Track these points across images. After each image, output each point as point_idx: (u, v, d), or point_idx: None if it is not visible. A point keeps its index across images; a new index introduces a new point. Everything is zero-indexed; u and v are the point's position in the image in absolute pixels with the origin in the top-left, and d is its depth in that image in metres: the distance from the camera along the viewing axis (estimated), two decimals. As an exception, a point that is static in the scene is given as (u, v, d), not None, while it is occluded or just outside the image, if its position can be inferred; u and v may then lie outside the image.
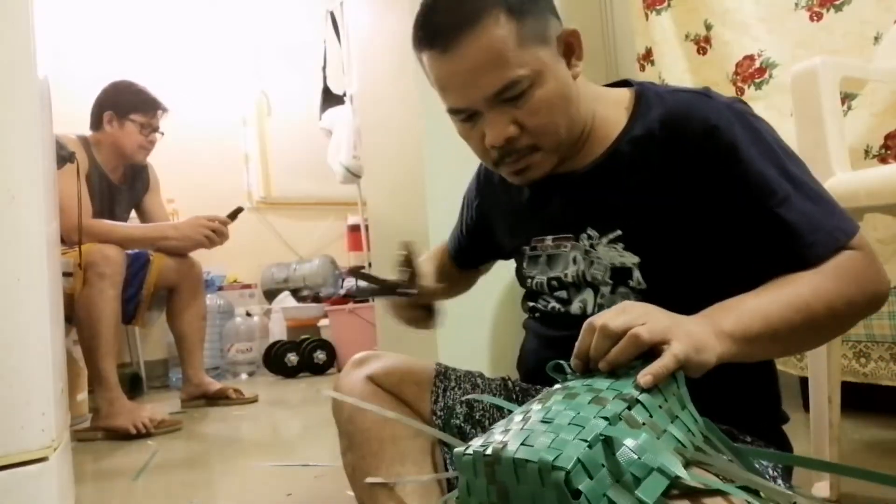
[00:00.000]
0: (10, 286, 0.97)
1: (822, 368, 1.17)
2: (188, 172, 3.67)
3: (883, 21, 1.48)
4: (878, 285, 0.67)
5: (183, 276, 2.50)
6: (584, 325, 0.59)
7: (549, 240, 0.84)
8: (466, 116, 0.76)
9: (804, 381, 1.32)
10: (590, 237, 0.79)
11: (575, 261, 0.81)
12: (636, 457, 0.47)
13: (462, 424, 0.84)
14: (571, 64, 0.76)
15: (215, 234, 2.43)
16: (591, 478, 0.46)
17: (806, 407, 1.28)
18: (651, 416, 0.51)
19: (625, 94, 0.81)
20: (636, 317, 0.57)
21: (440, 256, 1.10)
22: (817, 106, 1.11)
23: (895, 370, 1.53)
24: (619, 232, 0.77)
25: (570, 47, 0.76)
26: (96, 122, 2.44)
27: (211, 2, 3.88)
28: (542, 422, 0.51)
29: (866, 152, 1.48)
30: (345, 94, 3.22)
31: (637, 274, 0.76)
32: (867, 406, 1.61)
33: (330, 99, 3.38)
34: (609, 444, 0.48)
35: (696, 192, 0.72)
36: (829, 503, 1.12)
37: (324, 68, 3.44)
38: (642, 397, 0.52)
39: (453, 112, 0.77)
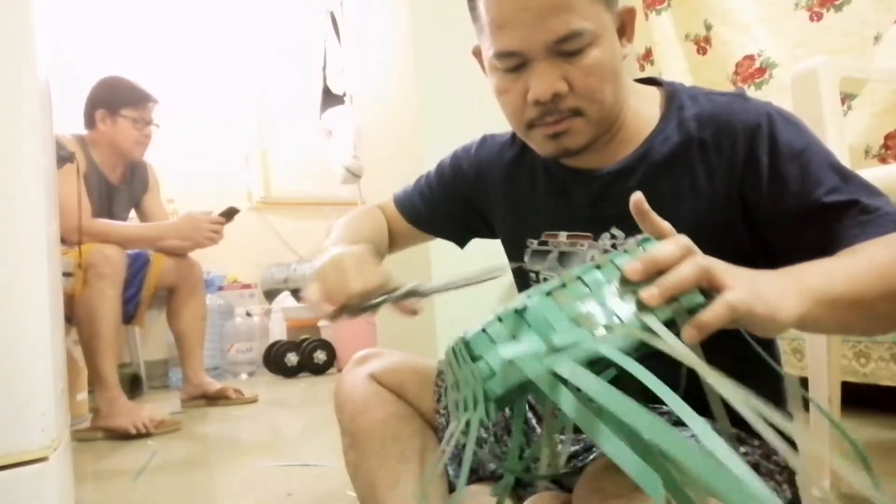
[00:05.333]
0: (10, 286, 0.97)
1: (822, 368, 1.17)
2: (188, 172, 3.67)
3: (883, 21, 1.48)
4: None
5: (183, 276, 2.50)
6: (678, 239, 0.51)
7: (563, 236, 0.81)
8: (513, 65, 0.70)
9: (804, 381, 1.32)
10: (613, 237, 0.77)
11: (593, 260, 0.78)
12: (546, 335, 0.48)
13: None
14: (622, 43, 0.73)
15: (215, 234, 2.44)
16: (494, 343, 0.48)
17: (806, 407, 1.28)
18: (592, 292, 0.49)
19: (655, 93, 0.79)
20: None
21: (372, 223, 0.98)
22: (817, 106, 1.11)
23: (895, 370, 1.53)
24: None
25: (623, 26, 0.73)
26: (90, 122, 2.43)
27: (211, 1, 3.88)
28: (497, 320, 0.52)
29: (866, 152, 1.48)
30: (345, 94, 3.22)
31: None
32: (867, 406, 1.61)
33: (330, 99, 3.38)
34: (521, 316, 0.49)
35: (737, 192, 0.70)
36: (829, 503, 1.12)
37: (324, 68, 3.44)
38: (586, 275, 0.49)
39: (503, 56, 0.70)
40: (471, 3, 0.74)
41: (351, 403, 0.82)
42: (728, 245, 0.71)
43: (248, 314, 3.51)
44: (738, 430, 0.73)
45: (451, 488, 0.83)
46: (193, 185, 3.66)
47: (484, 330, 0.49)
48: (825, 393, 1.16)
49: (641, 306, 0.47)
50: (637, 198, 0.54)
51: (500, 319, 0.49)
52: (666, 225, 0.54)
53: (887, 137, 1.46)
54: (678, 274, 0.47)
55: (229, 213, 2.50)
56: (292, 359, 3.26)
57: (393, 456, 0.78)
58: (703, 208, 0.71)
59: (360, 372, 0.85)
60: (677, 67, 1.90)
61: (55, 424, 0.99)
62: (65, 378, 1.15)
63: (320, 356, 3.29)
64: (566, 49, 0.67)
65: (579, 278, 0.50)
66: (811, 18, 1.61)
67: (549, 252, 0.82)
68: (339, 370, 0.95)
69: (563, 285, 0.50)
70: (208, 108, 3.84)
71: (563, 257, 0.81)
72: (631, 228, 0.73)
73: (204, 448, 1.99)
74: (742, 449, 0.73)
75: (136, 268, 2.37)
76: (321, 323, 3.50)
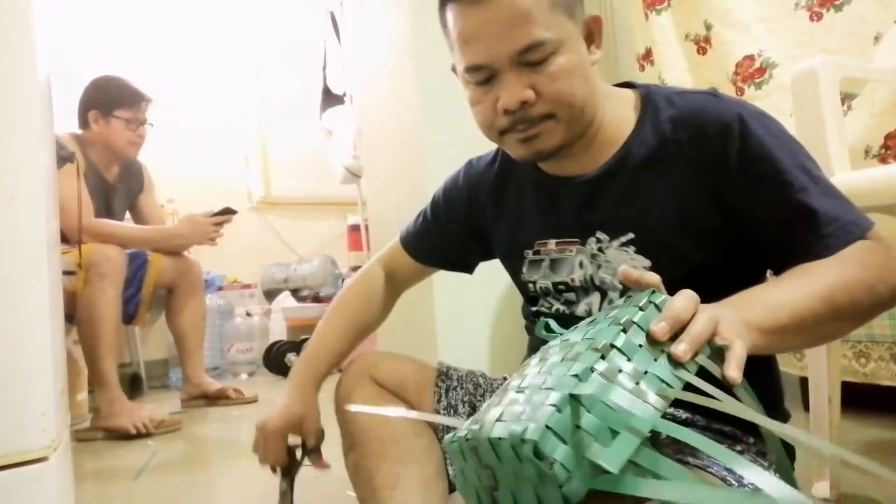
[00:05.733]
0: (10, 286, 0.97)
1: (822, 368, 1.17)
2: (188, 172, 3.67)
3: (883, 21, 1.48)
4: None
5: (182, 276, 2.50)
6: (688, 294, 0.54)
7: (552, 244, 0.83)
8: (483, 78, 0.74)
9: (804, 381, 1.32)
10: (599, 240, 0.78)
11: (581, 265, 0.80)
12: (606, 416, 0.45)
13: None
14: (590, 50, 0.76)
15: (215, 234, 2.46)
16: (564, 442, 0.44)
17: (806, 407, 1.28)
18: (629, 359, 0.48)
19: (630, 95, 0.80)
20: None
21: (352, 310, 1.01)
22: (817, 106, 1.11)
23: (895, 370, 1.53)
24: (631, 235, 0.76)
25: (590, 34, 0.76)
26: (83, 122, 2.43)
27: (211, 1, 3.88)
28: (518, 391, 0.50)
29: (866, 152, 1.48)
30: (345, 94, 3.22)
31: None
32: (867, 406, 1.61)
33: (330, 99, 3.38)
34: (580, 402, 0.45)
35: (711, 191, 0.72)
36: (829, 503, 1.12)
37: (324, 68, 3.44)
38: (618, 341, 0.49)
39: (472, 70, 0.74)
40: (442, 21, 0.77)
41: (351, 404, 0.83)
42: (709, 243, 0.73)
43: (248, 314, 3.50)
44: (733, 428, 0.73)
45: (452, 488, 0.83)
46: (193, 185, 3.66)
47: (548, 427, 0.44)
48: (825, 393, 1.16)
49: (674, 362, 0.49)
50: (622, 271, 0.57)
51: (558, 410, 0.45)
52: (655, 278, 0.57)
53: (887, 137, 1.46)
54: (699, 329, 0.51)
55: (226, 213, 2.52)
56: (292, 359, 3.25)
57: (393, 456, 0.78)
58: (684, 208, 0.73)
59: (360, 373, 0.85)
60: (677, 67, 1.90)
61: (55, 424, 0.99)
62: (65, 378, 1.15)
63: (320, 356, 3.29)
64: (530, 59, 0.70)
65: (613, 346, 0.49)
66: (811, 18, 1.61)
67: (541, 261, 0.84)
68: (339, 371, 0.95)
69: (602, 356, 0.48)
70: (208, 108, 3.84)
71: (554, 264, 0.82)
72: (615, 232, 0.76)
73: (204, 448, 1.99)
74: (737, 447, 0.73)
75: (135, 267, 2.37)
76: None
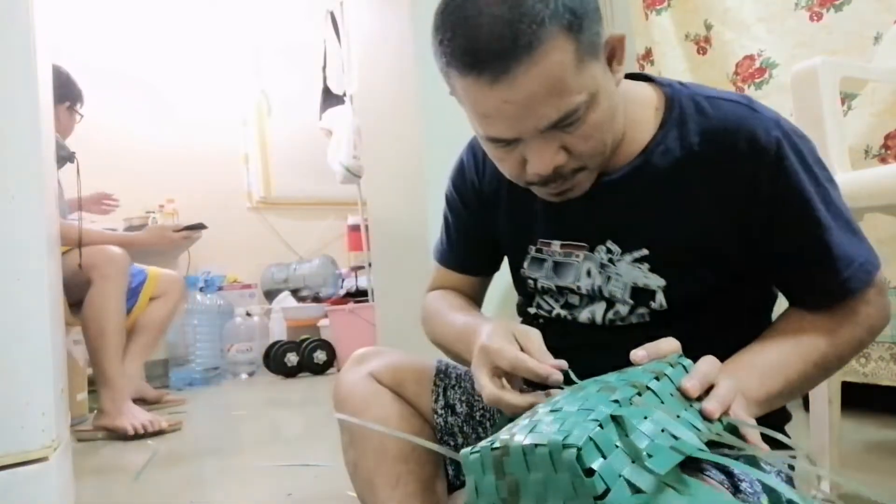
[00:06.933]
0: (10, 286, 0.97)
1: (822, 368, 1.17)
2: (188, 172, 3.67)
3: (883, 21, 1.48)
4: (883, 321, 0.71)
5: (171, 285, 2.59)
6: (710, 360, 0.58)
7: (556, 245, 0.79)
8: (505, 144, 0.67)
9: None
10: (609, 251, 0.74)
11: (589, 273, 0.76)
12: (650, 436, 0.45)
13: (462, 424, 0.84)
14: (613, 69, 0.68)
15: (179, 243, 2.62)
16: (604, 457, 0.44)
17: (806, 407, 1.28)
18: (663, 402, 0.50)
19: (651, 95, 0.74)
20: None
21: (452, 299, 0.93)
22: (817, 106, 1.11)
23: (895, 370, 1.53)
24: (645, 252, 0.72)
25: (613, 53, 0.68)
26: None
27: (211, 2, 3.88)
28: (550, 412, 0.49)
29: (866, 152, 1.48)
30: (345, 94, 3.21)
31: (661, 297, 0.72)
32: (867, 406, 1.61)
33: (330, 99, 3.38)
34: (621, 424, 0.45)
35: (734, 216, 0.69)
36: (829, 503, 1.12)
37: (324, 68, 3.44)
38: (652, 384, 0.51)
39: (491, 140, 0.67)
40: (444, 75, 0.68)
41: (350, 402, 0.82)
42: (723, 267, 0.71)
43: (248, 314, 3.51)
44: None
45: (452, 488, 0.83)
46: (193, 186, 3.66)
47: (591, 438, 0.44)
48: (825, 393, 1.16)
49: (704, 416, 0.53)
50: (635, 358, 0.58)
51: (600, 426, 0.45)
52: (675, 344, 0.60)
53: (887, 137, 1.46)
54: (724, 392, 0.55)
55: (196, 228, 2.72)
56: (292, 359, 3.26)
57: (392, 455, 0.78)
58: (702, 230, 0.70)
59: (359, 370, 0.85)
60: (677, 67, 1.90)
61: (55, 424, 0.99)
62: (65, 378, 1.15)
63: (320, 356, 3.29)
64: (561, 125, 0.64)
65: (649, 387, 0.51)
66: (811, 18, 1.61)
67: (544, 260, 0.81)
68: (339, 370, 0.94)
69: (639, 392, 0.50)
70: (208, 107, 3.84)
71: (558, 267, 0.79)
72: (629, 245, 0.73)
73: (204, 448, 1.99)
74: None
75: (137, 283, 2.44)
76: (321, 323, 3.51)
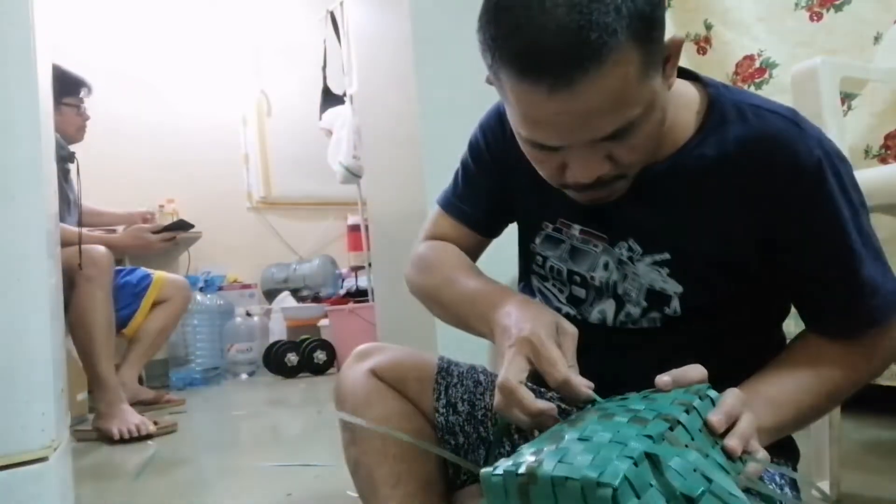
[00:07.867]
0: (10, 286, 0.97)
1: (822, 368, 1.17)
2: (188, 172, 3.68)
3: (883, 21, 1.48)
4: None
5: (178, 290, 2.60)
6: (735, 393, 0.57)
7: (576, 228, 0.77)
8: (551, 148, 0.63)
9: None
10: (630, 249, 0.73)
11: (606, 267, 0.74)
12: (685, 477, 0.44)
13: (463, 423, 0.83)
14: (666, 73, 0.63)
15: (158, 244, 2.54)
16: (638, 497, 0.42)
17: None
18: (693, 439, 0.49)
19: (695, 96, 0.72)
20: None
21: (453, 254, 0.88)
22: (817, 106, 1.11)
23: (895, 370, 1.53)
24: (667, 256, 0.70)
25: (668, 57, 0.63)
26: None
27: (211, 2, 3.88)
28: (579, 440, 0.47)
29: (866, 152, 1.49)
30: (345, 94, 3.22)
31: (676, 303, 0.71)
32: (867, 406, 1.61)
33: (330, 99, 3.38)
34: (655, 462, 0.44)
35: (760, 231, 0.67)
36: (829, 503, 1.12)
37: (324, 68, 3.44)
38: (683, 418, 0.49)
39: (535, 144, 0.64)
40: (490, 68, 0.62)
41: (352, 399, 0.82)
42: (743, 279, 0.70)
43: (248, 314, 3.51)
44: None
45: (452, 488, 0.83)
46: (193, 185, 3.66)
47: (626, 477, 0.43)
48: (825, 393, 1.16)
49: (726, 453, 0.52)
50: (660, 384, 0.56)
51: (635, 463, 0.44)
52: (702, 372, 0.58)
53: (887, 137, 1.46)
54: (744, 428, 0.54)
55: (179, 227, 2.61)
56: (292, 359, 3.26)
57: (393, 454, 0.77)
58: (726, 241, 0.69)
59: (360, 367, 0.84)
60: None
61: (55, 424, 0.99)
62: (65, 378, 1.15)
63: (320, 356, 3.29)
64: (612, 136, 0.60)
65: (680, 422, 0.50)
66: (811, 18, 1.61)
67: (561, 241, 0.79)
68: (339, 370, 0.94)
69: (670, 427, 0.48)
70: (208, 107, 3.84)
71: (575, 252, 0.77)
72: (651, 247, 0.72)
73: (204, 448, 1.99)
74: None
75: (141, 287, 2.47)
76: (321, 323, 3.51)
